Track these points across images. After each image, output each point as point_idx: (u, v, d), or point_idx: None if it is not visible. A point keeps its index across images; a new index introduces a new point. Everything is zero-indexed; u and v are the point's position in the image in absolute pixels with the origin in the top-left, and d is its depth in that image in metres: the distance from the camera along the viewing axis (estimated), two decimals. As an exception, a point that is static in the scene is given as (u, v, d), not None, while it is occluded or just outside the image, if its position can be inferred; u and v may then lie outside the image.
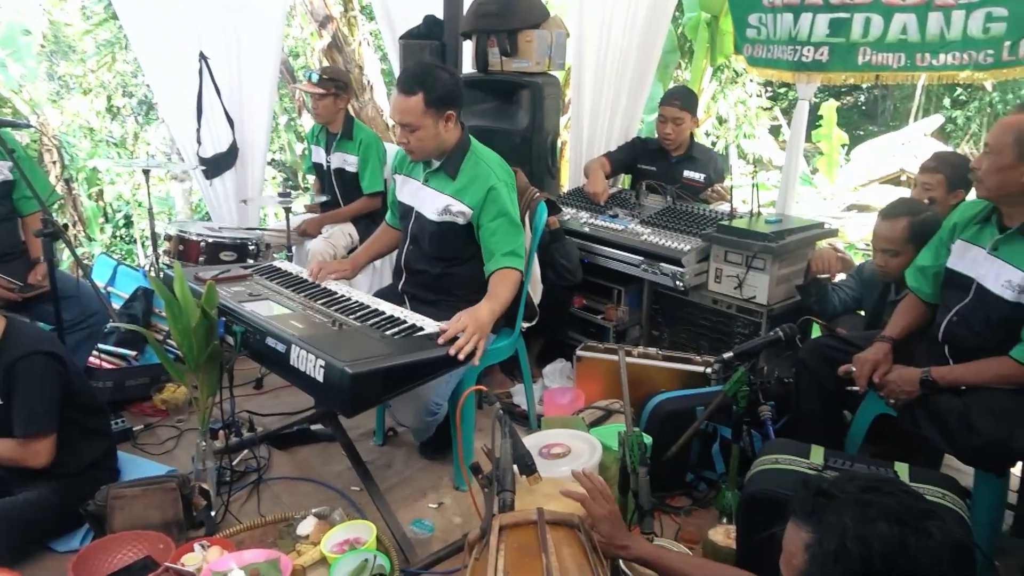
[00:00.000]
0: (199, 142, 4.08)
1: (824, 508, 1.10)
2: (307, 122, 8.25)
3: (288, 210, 3.59)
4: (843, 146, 8.90)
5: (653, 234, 3.23)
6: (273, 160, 9.86)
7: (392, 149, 3.56)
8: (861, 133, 11.38)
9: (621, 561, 1.81)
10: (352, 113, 4.13)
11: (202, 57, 3.91)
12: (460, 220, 2.48)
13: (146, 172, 3.99)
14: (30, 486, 2.23)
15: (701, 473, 2.62)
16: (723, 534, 2.17)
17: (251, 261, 3.53)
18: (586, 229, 3.44)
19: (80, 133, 8.58)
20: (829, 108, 8.28)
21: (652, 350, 2.99)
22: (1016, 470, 2.35)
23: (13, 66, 7.04)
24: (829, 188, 8.67)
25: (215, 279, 2.43)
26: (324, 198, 4.03)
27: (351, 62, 6.94)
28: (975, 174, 2.10)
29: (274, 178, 9.77)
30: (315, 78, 3.78)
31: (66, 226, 6.97)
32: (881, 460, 1.95)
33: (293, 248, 3.82)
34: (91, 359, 3.17)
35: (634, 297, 3.41)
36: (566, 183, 4.44)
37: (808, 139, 8.79)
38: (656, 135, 3.72)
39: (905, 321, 2.36)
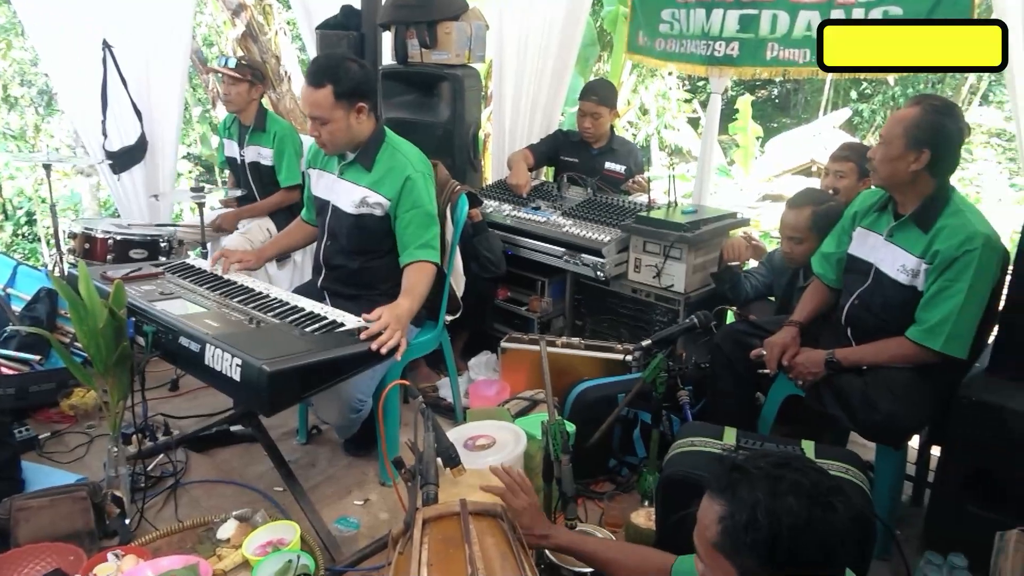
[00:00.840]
0: (105, 135, 3.89)
1: (737, 483, 1.15)
2: (221, 113, 7.98)
3: (202, 205, 3.47)
4: (758, 139, 9.22)
5: (575, 226, 3.28)
6: (188, 154, 9.51)
7: (309, 141, 3.49)
8: (775, 126, 11.83)
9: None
10: (269, 105, 4.03)
11: (105, 45, 3.73)
12: (378, 212, 2.47)
13: (47, 167, 3.79)
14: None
15: (623, 458, 2.68)
16: (644, 517, 2.23)
17: (163, 259, 3.42)
18: (509, 221, 3.46)
19: (-26, 125, 8.08)
20: (745, 103, 8.56)
21: (575, 340, 3.04)
22: (913, 443, 2.50)
23: None
24: (745, 179, 8.97)
25: (124, 278, 2.34)
26: (240, 192, 3.92)
27: (267, 52, 6.75)
28: (871, 163, 2.22)
29: (190, 172, 9.43)
30: (232, 63, 3.69)
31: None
32: (791, 439, 2.04)
33: (208, 245, 3.69)
34: (-11, 365, 3.00)
35: (557, 288, 3.46)
36: (490, 175, 4.46)
37: (725, 132, 9.07)
38: (577, 128, 3.77)
39: (811, 305, 2.47)
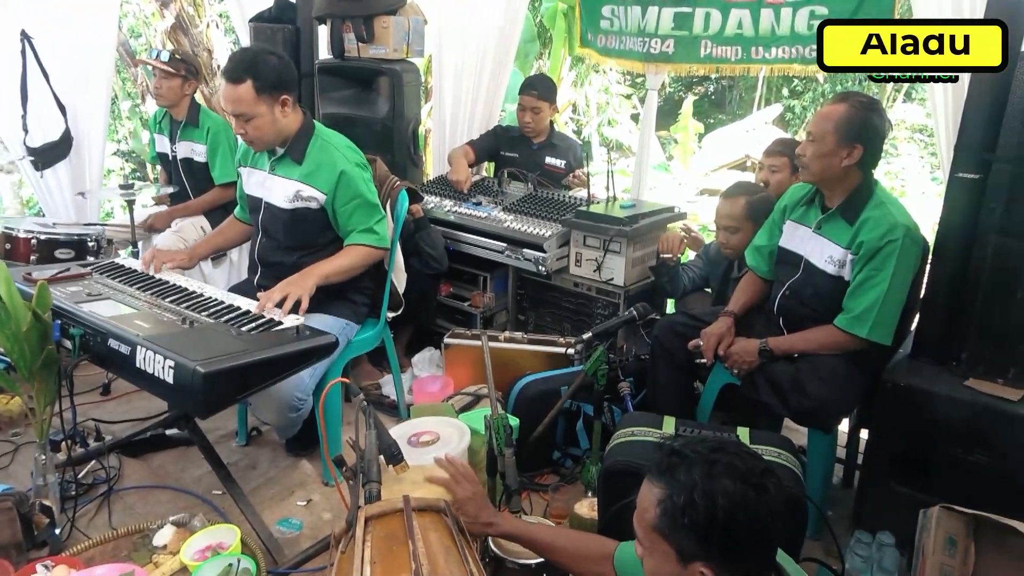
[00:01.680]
0: (25, 130, 3.73)
1: (676, 467, 1.18)
2: (152, 107, 7.71)
3: (132, 203, 3.36)
4: (699, 135, 9.41)
5: (516, 221, 3.29)
6: (118, 150, 9.16)
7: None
8: (712, 122, 12.06)
9: (490, 539, 1.86)
10: (202, 99, 3.92)
11: (24, 36, 3.57)
12: (313, 205, 2.44)
13: (-38, 164, 3.61)
14: None
15: (567, 450, 2.72)
16: (588, 507, 2.26)
17: (91, 259, 3.28)
18: (451, 217, 3.45)
19: None
20: (689, 103, 8.71)
21: (518, 334, 3.06)
22: (843, 427, 2.60)
23: None
24: (684, 175, 9.15)
25: (49, 279, 2.25)
26: (172, 189, 3.81)
27: (199, 45, 6.56)
28: (800, 160, 2.28)
29: (121, 169, 9.08)
30: (165, 57, 3.57)
31: None
32: (727, 426, 2.10)
33: (140, 244, 3.57)
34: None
35: (500, 283, 3.47)
36: (431, 171, 4.43)
37: (666, 129, 9.23)
38: (517, 123, 3.79)
39: (745, 296, 2.55)
